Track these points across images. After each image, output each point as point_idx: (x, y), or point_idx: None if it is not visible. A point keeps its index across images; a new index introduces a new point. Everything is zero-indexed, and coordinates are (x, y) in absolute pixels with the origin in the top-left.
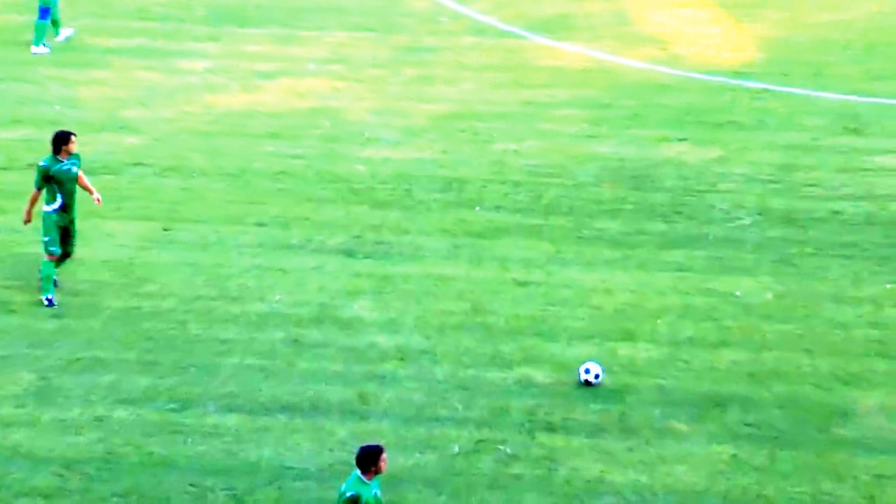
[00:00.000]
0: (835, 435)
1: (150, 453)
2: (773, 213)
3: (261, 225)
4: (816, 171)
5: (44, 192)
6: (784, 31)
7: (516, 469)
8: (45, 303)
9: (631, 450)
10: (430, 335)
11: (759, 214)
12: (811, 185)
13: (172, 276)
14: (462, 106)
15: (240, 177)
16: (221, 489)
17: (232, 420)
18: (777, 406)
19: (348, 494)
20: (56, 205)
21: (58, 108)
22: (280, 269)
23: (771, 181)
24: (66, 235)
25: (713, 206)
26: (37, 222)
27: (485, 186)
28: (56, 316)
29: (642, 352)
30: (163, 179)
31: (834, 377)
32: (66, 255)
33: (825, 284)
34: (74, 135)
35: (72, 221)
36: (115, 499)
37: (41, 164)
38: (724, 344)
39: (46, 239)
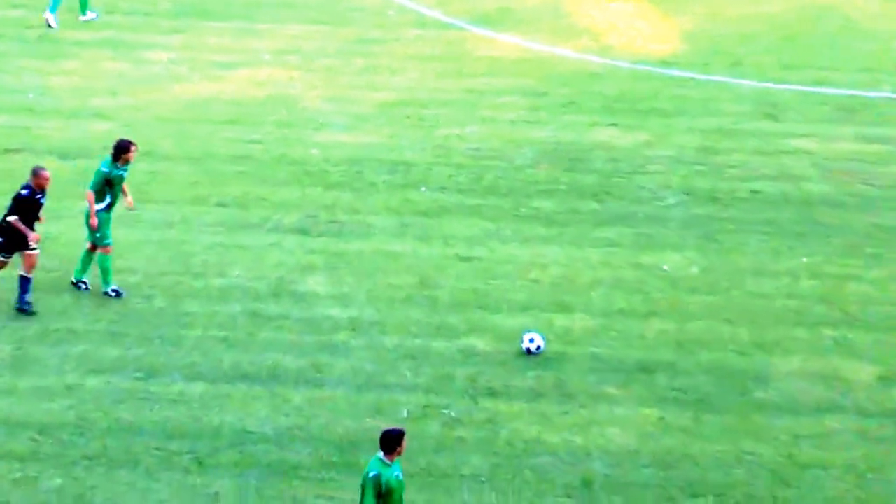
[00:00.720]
0: (755, 398)
1: (119, 419)
2: (697, 193)
3: (222, 205)
4: (737, 153)
5: (92, 181)
6: (706, 24)
7: (461, 432)
8: (112, 294)
9: (566, 413)
10: (380, 308)
11: (684, 194)
12: (732, 167)
13: (139, 252)
14: (408, 94)
15: (202, 160)
16: (186, 452)
17: (196, 388)
18: (701, 372)
19: (371, 475)
20: (104, 204)
21: (31, 96)
22: (240, 247)
23: (695, 163)
24: None
25: (641, 187)
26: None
27: (430, 169)
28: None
29: (577, 322)
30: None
31: (754, 344)
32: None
33: (746, 259)
34: (135, 145)
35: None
36: (85, 462)
37: (102, 168)
38: (652, 314)
39: (98, 234)
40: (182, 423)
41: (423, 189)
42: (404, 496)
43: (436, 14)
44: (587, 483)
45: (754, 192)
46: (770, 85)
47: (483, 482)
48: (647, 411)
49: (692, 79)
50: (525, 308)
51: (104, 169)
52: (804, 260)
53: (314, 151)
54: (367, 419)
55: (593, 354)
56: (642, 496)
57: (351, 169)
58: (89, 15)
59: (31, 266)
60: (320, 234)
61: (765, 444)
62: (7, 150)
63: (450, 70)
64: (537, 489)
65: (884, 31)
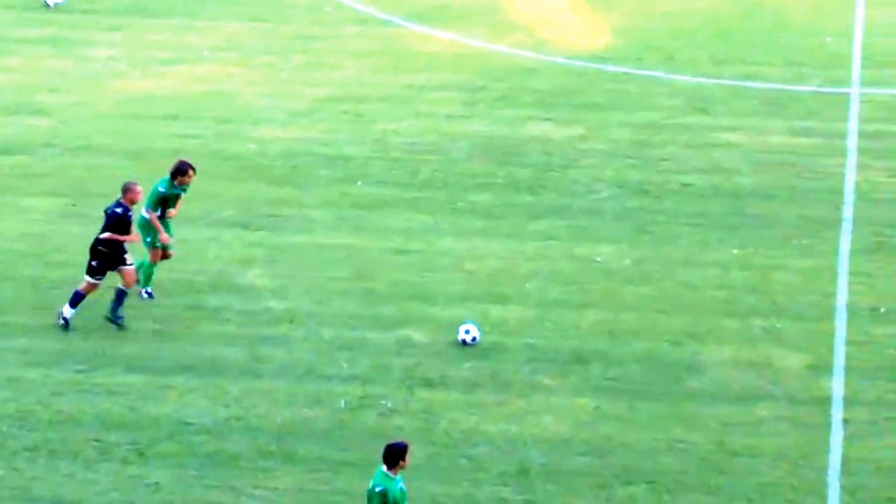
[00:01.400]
0: (687, 387)
1: (59, 411)
2: (630, 186)
3: None
4: (669, 147)
5: (149, 200)
6: (638, 19)
7: (398, 422)
8: (146, 296)
9: (502, 403)
10: (317, 300)
11: (618, 187)
12: (664, 160)
13: (80, 247)
14: (346, 90)
15: (142, 156)
16: (125, 444)
17: (135, 380)
18: (635, 361)
19: (378, 489)
20: (156, 214)
21: None
22: (180, 240)
23: (628, 157)
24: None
25: (576, 180)
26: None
27: (367, 163)
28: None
29: (512, 313)
30: (71, 158)
31: (686, 334)
32: (165, 255)
33: (677, 250)
34: (194, 169)
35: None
36: (25, 453)
37: (158, 188)
38: (586, 305)
39: (148, 239)
40: (122, 415)
41: (360, 183)
42: None
43: (372, 11)
44: (523, 471)
45: (686, 184)
46: (702, 79)
47: (420, 471)
48: (581, 400)
49: (626, 73)
50: (461, 300)
51: (161, 189)
52: (735, 251)
53: (252, 146)
54: (305, 410)
55: (529, 345)
56: (577, 484)
57: (289, 163)
58: None
59: (130, 281)
60: (259, 228)
61: (697, 431)
62: None
63: (387, 66)
64: (474, 478)
65: (812, 25)
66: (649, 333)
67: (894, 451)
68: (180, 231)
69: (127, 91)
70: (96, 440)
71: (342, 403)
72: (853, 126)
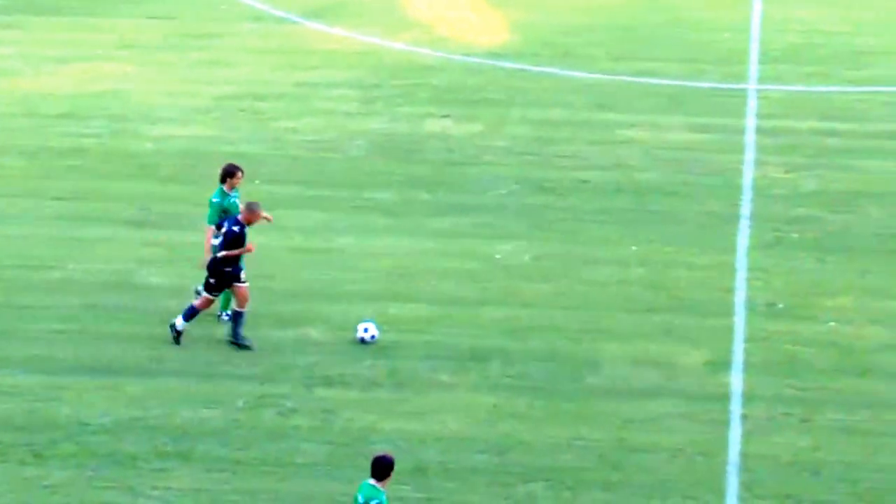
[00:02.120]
0: (587, 384)
1: None
2: (530, 183)
3: (58, 199)
4: (568, 143)
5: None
6: (535, 15)
7: (296, 421)
8: (226, 318)
9: (401, 401)
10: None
11: (517, 184)
12: (564, 157)
13: None
14: (243, 87)
15: (36, 155)
16: (22, 444)
17: (33, 380)
18: (534, 358)
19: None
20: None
21: None
22: (76, 240)
23: (527, 153)
24: None
25: (476, 177)
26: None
27: (265, 161)
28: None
29: (411, 311)
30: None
31: (585, 331)
32: None
33: (577, 247)
34: (241, 170)
35: None
36: None
37: (213, 199)
38: (486, 302)
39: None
40: (19, 416)
41: (258, 182)
42: None
43: (268, 8)
44: (421, 470)
45: (585, 181)
46: (600, 76)
47: (318, 470)
48: (481, 398)
49: (523, 70)
50: (361, 298)
51: (216, 199)
52: (634, 248)
53: (149, 145)
54: (203, 409)
55: (428, 343)
56: (476, 482)
57: (185, 162)
58: None
59: (243, 299)
60: (156, 227)
61: (596, 428)
62: None
63: (284, 63)
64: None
65: (709, 21)
66: (549, 330)
67: (792, 446)
68: (75, 230)
69: (21, 89)
70: None
71: (240, 403)
72: (751, 122)
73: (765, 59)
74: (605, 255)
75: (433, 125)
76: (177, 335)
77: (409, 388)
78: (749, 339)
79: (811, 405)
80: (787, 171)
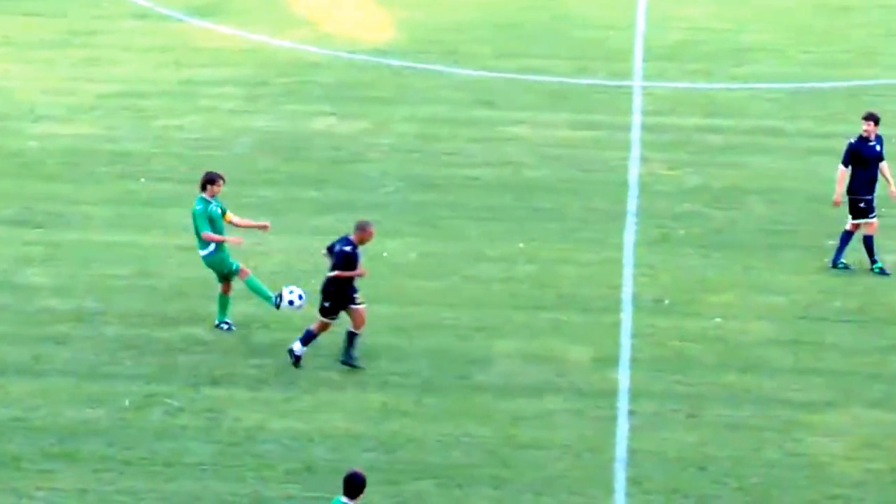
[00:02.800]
0: (475, 381)
1: None
2: (416, 180)
3: None
4: (454, 140)
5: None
6: (420, 13)
7: (183, 420)
8: (226, 327)
9: (289, 399)
10: (100, 298)
11: (403, 181)
12: (450, 154)
13: None
14: (126, 85)
15: None
16: None
17: None
18: (422, 356)
19: None
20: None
21: None
22: None
23: (413, 151)
24: None
25: (362, 175)
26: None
27: (149, 160)
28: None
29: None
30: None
31: (474, 328)
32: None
33: (464, 244)
34: (222, 178)
35: None
36: None
37: (196, 208)
38: (373, 300)
39: (225, 271)
40: None
41: (143, 180)
42: None
43: (152, 5)
44: (310, 468)
45: (472, 178)
46: (485, 73)
47: (205, 470)
48: (369, 396)
49: (409, 67)
50: (245, 296)
51: (199, 207)
52: (521, 245)
53: (31, 143)
54: (89, 409)
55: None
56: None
57: (69, 160)
58: None
59: (361, 321)
60: (38, 226)
61: (485, 425)
62: None
63: (168, 61)
64: (260, 475)
65: (595, 19)
66: (437, 328)
67: (679, 442)
68: None
69: None
70: None
71: (126, 403)
72: (636, 119)
73: (649, 56)
74: (491, 252)
75: (319, 123)
76: (296, 360)
77: (297, 387)
78: (636, 336)
79: (697, 401)
80: (670, 168)
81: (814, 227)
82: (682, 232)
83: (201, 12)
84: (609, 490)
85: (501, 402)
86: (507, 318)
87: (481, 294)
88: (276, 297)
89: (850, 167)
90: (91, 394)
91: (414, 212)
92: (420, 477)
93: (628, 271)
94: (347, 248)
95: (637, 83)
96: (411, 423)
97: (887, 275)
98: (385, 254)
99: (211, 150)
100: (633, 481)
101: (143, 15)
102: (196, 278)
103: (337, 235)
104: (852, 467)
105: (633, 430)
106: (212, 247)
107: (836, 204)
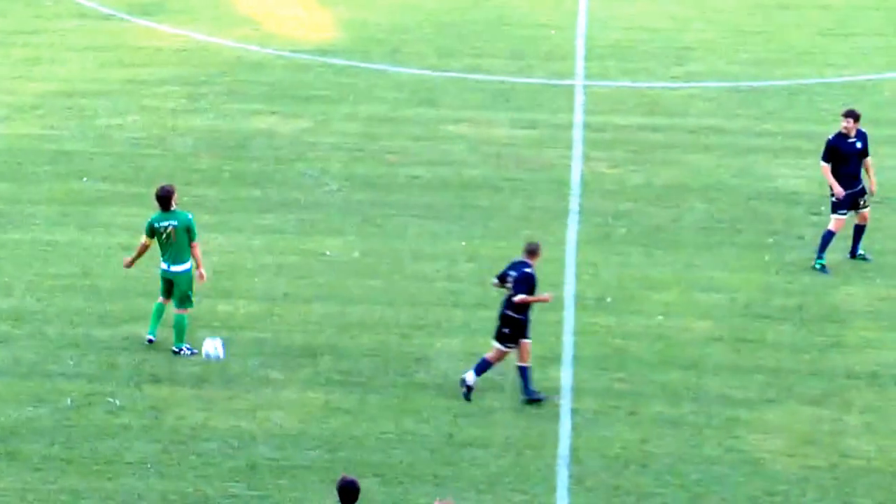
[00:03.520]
0: (416, 379)
1: None
2: (358, 179)
3: None
4: (396, 139)
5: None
6: (363, 12)
7: (125, 419)
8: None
9: (231, 398)
10: (41, 297)
11: (345, 180)
12: (392, 153)
13: None
14: (68, 85)
15: None
16: None
17: None
18: (364, 354)
19: None
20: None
21: None
22: None
23: (355, 149)
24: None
25: (303, 174)
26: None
27: (91, 159)
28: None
29: (240, 308)
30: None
31: (415, 327)
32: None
33: (406, 243)
34: (175, 190)
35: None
36: None
37: (189, 216)
38: (315, 299)
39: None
40: None
41: (85, 179)
42: None
43: (94, 5)
44: (253, 467)
45: (413, 177)
46: (427, 72)
47: (148, 468)
48: (311, 394)
49: (351, 66)
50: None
51: (190, 216)
52: (462, 243)
53: None
54: (30, 408)
55: (257, 339)
56: (308, 478)
57: (11, 160)
58: None
59: (527, 355)
60: None
61: (426, 423)
62: None
63: (110, 60)
64: (203, 474)
65: (536, 18)
66: (378, 326)
67: (620, 439)
68: None
69: None
70: None
71: (68, 402)
72: (578, 118)
73: (591, 55)
74: (433, 250)
75: (261, 122)
76: (467, 390)
77: (239, 386)
78: (578, 333)
79: (639, 398)
80: (612, 167)
81: (754, 225)
82: (623, 230)
83: (143, 12)
84: (551, 487)
85: (443, 400)
86: (449, 317)
87: (423, 292)
88: (191, 350)
89: (829, 163)
90: (32, 393)
91: (356, 211)
92: (362, 475)
93: (570, 269)
94: (528, 270)
95: (579, 82)
96: (353, 422)
97: (827, 273)
98: (327, 252)
99: (152, 150)
100: (575, 479)
101: (84, 15)
102: (138, 278)
103: (279, 235)
104: (792, 464)
105: (575, 427)
106: (189, 264)
107: (840, 196)
